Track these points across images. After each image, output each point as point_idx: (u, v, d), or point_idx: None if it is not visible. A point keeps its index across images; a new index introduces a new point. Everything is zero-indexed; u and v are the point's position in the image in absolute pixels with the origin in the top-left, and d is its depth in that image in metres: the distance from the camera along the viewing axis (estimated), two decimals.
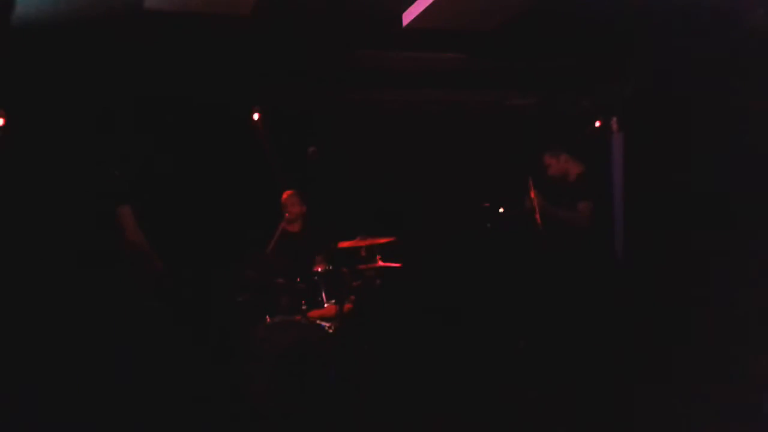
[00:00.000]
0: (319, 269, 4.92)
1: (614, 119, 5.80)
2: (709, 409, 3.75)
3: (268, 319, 4.69)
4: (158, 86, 5.21)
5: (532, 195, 4.48)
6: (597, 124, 5.74)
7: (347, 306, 4.91)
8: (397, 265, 5.15)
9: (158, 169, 5.36)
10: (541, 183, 4.84)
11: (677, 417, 3.85)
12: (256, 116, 5.45)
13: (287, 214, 5.31)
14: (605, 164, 5.74)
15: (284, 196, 5.34)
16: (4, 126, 4.84)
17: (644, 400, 4.21)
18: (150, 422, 4.09)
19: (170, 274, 4.67)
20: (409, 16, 4.24)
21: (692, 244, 5.34)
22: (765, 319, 4.45)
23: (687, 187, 5.48)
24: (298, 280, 4.89)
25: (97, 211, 4.43)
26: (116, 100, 5.16)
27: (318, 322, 4.81)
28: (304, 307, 4.86)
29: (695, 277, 5.28)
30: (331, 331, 4.76)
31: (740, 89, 4.91)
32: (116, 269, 4.39)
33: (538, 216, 4.48)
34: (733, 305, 4.93)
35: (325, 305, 4.88)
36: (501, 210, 5.34)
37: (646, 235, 5.44)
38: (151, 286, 4.57)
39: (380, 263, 5.10)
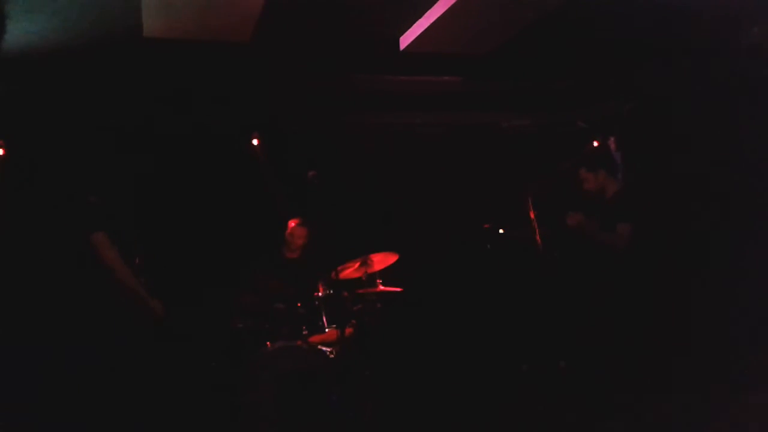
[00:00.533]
0: (320, 294, 4.90)
1: (612, 138, 5.81)
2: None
3: (269, 345, 4.66)
4: (157, 113, 5.23)
5: (532, 215, 4.47)
6: (595, 143, 5.76)
7: (348, 330, 4.88)
8: (398, 289, 5.14)
9: (155, 195, 5.37)
10: (573, 199, 4.67)
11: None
12: (255, 141, 5.46)
13: (291, 244, 5.30)
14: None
15: (291, 225, 5.32)
16: (4, 156, 4.85)
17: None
18: None
19: (169, 315, 4.42)
20: (406, 40, 4.28)
21: (692, 263, 5.34)
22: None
23: (686, 205, 5.49)
24: (299, 305, 4.87)
25: (69, 239, 4.25)
26: (115, 127, 5.17)
27: (319, 347, 4.78)
28: (305, 333, 4.83)
29: (695, 298, 5.27)
30: (332, 356, 4.73)
31: (740, 106, 4.94)
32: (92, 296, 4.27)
33: (538, 236, 4.46)
34: (733, 315, 4.92)
35: (326, 330, 4.85)
36: (501, 231, 5.33)
37: (646, 254, 5.43)
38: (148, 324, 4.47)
39: (381, 288, 5.08)
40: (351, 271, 5.06)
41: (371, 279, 5.06)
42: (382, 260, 5.10)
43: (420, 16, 4.04)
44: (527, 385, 5.01)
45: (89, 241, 4.12)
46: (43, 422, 4.17)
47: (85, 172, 5.00)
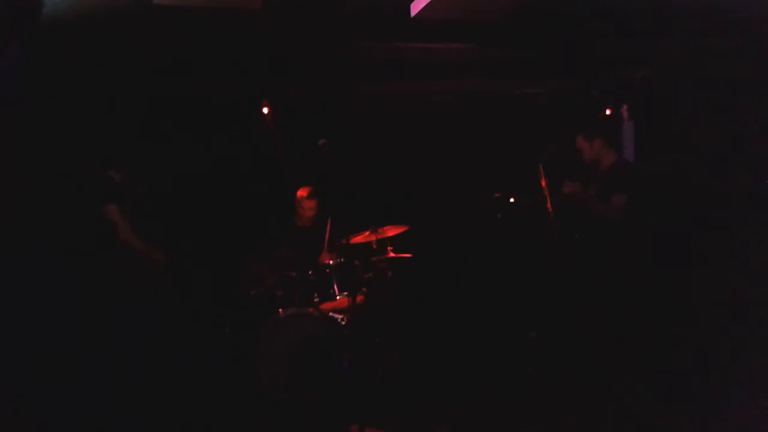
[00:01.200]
0: (331, 262, 4.93)
1: (625, 107, 5.76)
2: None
3: (281, 312, 4.71)
4: (166, 81, 5.21)
5: (543, 184, 4.46)
6: (607, 112, 5.70)
7: (359, 298, 4.92)
8: (408, 256, 5.16)
9: (167, 165, 5.38)
10: (570, 168, 4.65)
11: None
12: (265, 110, 5.45)
13: (302, 213, 5.32)
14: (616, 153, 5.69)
15: (300, 194, 5.33)
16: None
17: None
18: (163, 419, 4.12)
19: (173, 268, 4.70)
20: (417, 6, 4.22)
21: (703, 234, 5.32)
22: None
23: (699, 176, 5.45)
24: (310, 273, 4.91)
25: (84, 210, 4.47)
26: (123, 96, 5.17)
27: (330, 314, 4.83)
28: (316, 300, 4.88)
29: (705, 268, 5.26)
30: (343, 323, 4.79)
31: (756, 76, 4.87)
32: (107, 266, 4.43)
33: (549, 205, 4.45)
34: (742, 295, 4.91)
35: (338, 298, 4.90)
36: (512, 200, 5.32)
37: (655, 225, 5.41)
38: (154, 283, 4.61)
39: (391, 255, 5.11)
40: (361, 238, 5.08)
41: (382, 246, 5.09)
42: (392, 228, 5.12)
43: None
44: (535, 351, 5.06)
45: (103, 212, 4.37)
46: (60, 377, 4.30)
47: (94, 140, 5.04)
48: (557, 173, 4.55)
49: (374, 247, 5.07)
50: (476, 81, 5.44)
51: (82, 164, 4.71)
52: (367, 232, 5.03)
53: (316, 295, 4.89)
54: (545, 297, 5.24)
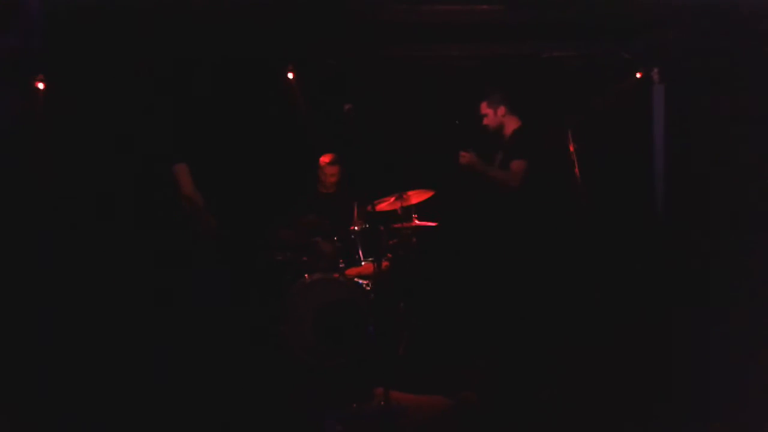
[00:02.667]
0: (356, 228, 4.95)
1: (655, 70, 5.62)
2: None
3: (307, 277, 4.75)
4: (191, 45, 5.20)
5: (572, 148, 4.40)
6: (637, 75, 5.57)
7: (384, 264, 4.94)
8: (433, 224, 5.15)
9: (190, 130, 5.40)
10: (473, 135, 4.63)
11: None
12: (290, 74, 5.42)
13: (324, 179, 5.33)
14: (645, 117, 5.59)
15: (323, 160, 5.33)
16: (45, 90, 4.91)
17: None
18: (193, 374, 4.22)
19: (223, 230, 4.77)
20: None
21: (735, 200, 5.22)
22: None
23: (731, 140, 5.32)
24: (335, 239, 4.93)
25: (154, 170, 4.58)
26: (152, 60, 5.17)
27: (356, 279, 4.86)
28: (341, 266, 4.90)
29: (738, 236, 5.17)
30: (368, 288, 4.82)
31: None
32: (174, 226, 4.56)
33: (577, 170, 4.40)
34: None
35: (363, 263, 4.92)
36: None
37: (687, 190, 5.33)
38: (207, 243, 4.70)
39: (416, 222, 5.11)
40: (386, 204, 5.08)
41: (407, 213, 5.09)
42: (417, 195, 5.11)
43: None
44: (560, 319, 5.04)
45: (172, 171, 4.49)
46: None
47: (124, 108, 5.08)
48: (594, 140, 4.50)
49: (399, 213, 5.07)
50: (503, 44, 5.33)
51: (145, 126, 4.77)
52: (392, 198, 5.03)
53: (341, 260, 4.92)
54: (571, 263, 5.20)
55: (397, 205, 5.04)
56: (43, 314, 4.35)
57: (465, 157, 4.47)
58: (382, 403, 3.71)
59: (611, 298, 4.89)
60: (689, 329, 4.45)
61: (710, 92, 5.27)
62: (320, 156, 5.37)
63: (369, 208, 4.69)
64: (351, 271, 4.93)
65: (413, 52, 5.42)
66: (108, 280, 4.68)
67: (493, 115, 4.64)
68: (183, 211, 4.52)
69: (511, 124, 4.60)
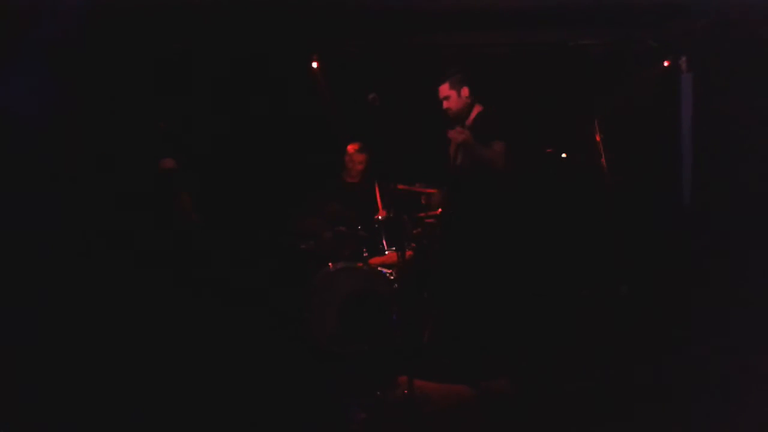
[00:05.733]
0: (380, 217, 4.96)
1: (683, 58, 5.54)
2: None
3: (331, 266, 4.77)
4: (215, 37, 5.23)
5: (598, 138, 4.35)
6: (665, 63, 5.50)
7: (408, 253, 4.94)
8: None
9: (216, 120, 5.45)
10: (436, 118, 4.45)
11: None
12: (315, 64, 5.43)
13: (351, 167, 5.34)
14: (673, 106, 5.52)
15: (350, 149, 5.34)
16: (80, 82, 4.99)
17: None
18: (215, 365, 4.27)
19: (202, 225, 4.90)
20: None
21: (764, 190, 5.14)
22: None
23: (759, 130, 5.24)
24: (359, 228, 4.94)
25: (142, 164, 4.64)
26: (171, 52, 5.21)
27: (379, 269, 4.87)
28: (365, 255, 4.92)
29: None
30: (392, 277, 4.83)
31: None
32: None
33: (603, 160, 4.35)
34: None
35: (386, 252, 4.93)
36: (564, 155, 5.21)
37: (715, 178, 5.26)
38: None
39: (440, 211, 5.09)
40: (409, 187, 5.07)
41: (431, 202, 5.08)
42: (438, 191, 5.08)
43: None
44: (586, 309, 5.02)
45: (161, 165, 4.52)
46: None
47: (149, 96, 5.13)
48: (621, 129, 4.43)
49: (423, 202, 5.07)
50: (529, 32, 5.29)
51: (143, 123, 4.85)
52: (416, 185, 5.03)
53: (365, 249, 4.93)
54: (595, 253, 5.17)
55: (421, 190, 5.02)
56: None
57: (462, 133, 4.21)
58: (406, 391, 3.73)
59: (637, 290, 4.85)
60: (711, 322, 4.41)
61: (738, 81, 5.19)
62: (346, 145, 5.38)
63: (391, 186, 4.63)
64: (375, 260, 4.94)
65: (438, 41, 5.40)
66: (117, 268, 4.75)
67: (456, 96, 4.40)
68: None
69: (475, 108, 4.39)
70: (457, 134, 4.19)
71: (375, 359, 4.55)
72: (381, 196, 5.17)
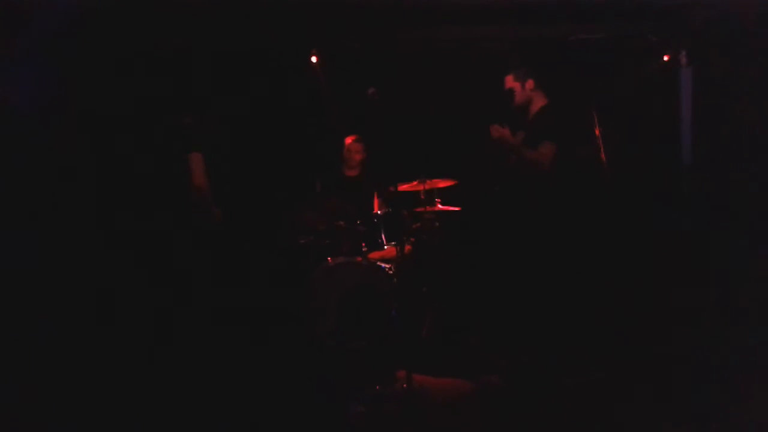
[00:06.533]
0: (379, 212, 4.96)
1: (683, 53, 5.53)
2: None
3: (330, 261, 4.77)
4: (215, 32, 5.21)
5: (597, 132, 4.34)
6: (665, 58, 5.49)
7: (407, 248, 4.94)
8: (456, 209, 5.14)
9: (221, 115, 5.44)
10: (500, 111, 4.43)
11: None
12: (314, 59, 5.42)
13: (349, 161, 5.34)
14: (673, 100, 5.51)
15: (348, 141, 5.35)
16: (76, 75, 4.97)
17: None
18: (212, 359, 4.28)
19: (226, 223, 4.76)
20: None
21: (763, 184, 5.13)
22: None
23: (759, 124, 5.23)
24: (358, 222, 4.94)
25: (168, 157, 4.58)
26: (176, 47, 5.20)
27: (378, 263, 4.87)
28: (364, 249, 4.92)
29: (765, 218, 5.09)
30: (391, 272, 4.82)
31: None
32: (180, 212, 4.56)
33: (603, 154, 4.34)
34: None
35: (385, 247, 4.93)
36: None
37: (715, 174, 5.25)
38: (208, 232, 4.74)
39: (439, 206, 5.10)
40: (409, 186, 5.08)
41: (430, 197, 5.08)
42: (440, 181, 5.09)
43: None
44: (584, 305, 5.01)
45: (187, 159, 4.42)
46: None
47: (147, 92, 5.12)
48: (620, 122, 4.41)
49: (422, 197, 5.07)
50: (528, 26, 5.28)
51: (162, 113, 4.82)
52: (415, 183, 5.02)
53: (364, 244, 4.93)
54: (595, 248, 5.16)
55: (420, 188, 5.03)
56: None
57: (497, 130, 4.27)
58: (405, 385, 3.73)
59: (635, 285, 4.85)
60: (712, 315, 4.42)
61: (738, 75, 5.18)
62: (344, 139, 5.38)
63: (391, 188, 4.67)
64: (374, 255, 4.94)
65: (437, 35, 5.39)
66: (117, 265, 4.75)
67: (520, 89, 4.42)
68: (190, 200, 4.50)
69: (538, 101, 4.38)
70: (493, 131, 4.26)
71: (374, 353, 4.55)
72: (379, 194, 5.17)
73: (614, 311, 4.62)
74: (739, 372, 3.68)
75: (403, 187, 5.00)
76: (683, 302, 4.72)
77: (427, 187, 5.01)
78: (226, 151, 5.05)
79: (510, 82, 4.44)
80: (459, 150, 5.57)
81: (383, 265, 4.86)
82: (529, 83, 4.36)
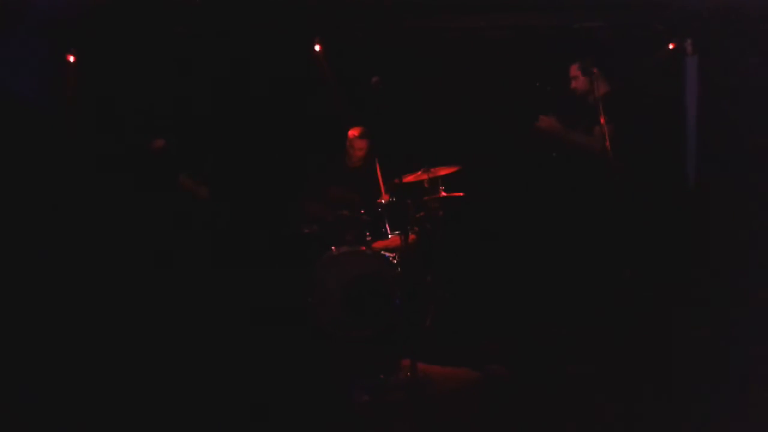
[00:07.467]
0: (383, 201, 4.95)
1: (689, 41, 5.50)
2: None
3: (334, 250, 4.77)
4: (217, 21, 5.20)
5: (602, 121, 4.32)
6: (671, 46, 5.45)
7: (411, 237, 4.94)
8: (460, 195, 5.13)
9: (218, 103, 5.44)
10: (561, 98, 4.61)
11: None
12: (317, 47, 5.40)
13: (352, 153, 5.32)
14: (679, 89, 5.48)
15: (351, 134, 5.31)
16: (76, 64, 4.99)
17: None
18: (216, 346, 4.31)
19: (216, 202, 4.99)
20: None
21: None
22: None
23: (765, 112, 5.21)
24: (362, 212, 4.94)
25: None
26: (178, 35, 5.19)
27: (382, 252, 4.88)
28: (368, 239, 4.92)
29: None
30: (395, 261, 4.83)
31: None
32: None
33: (608, 143, 4.32)
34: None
35: (389, 236, 4.93)
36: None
37: (720, 162, 5.24)
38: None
39: (443, 194, 5.09)
40: (413, 178, 5.07)
41: (434, 186, 5.07)
42: (444, 168, 5.08)
43: None
44: (588, 293, 5.02)
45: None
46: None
47: (153, 83, 5.13)
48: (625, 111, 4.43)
49: (426, 186, 5.06)
50: (533, 15, 5.25)
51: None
52: (419, 172, 5.01)
53: (368, 233, 4.93)
54: (600, 237, 5.15)
55: (424, 177, 5.02)
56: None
57: (544, 120, 4.45)
58: (409, 374, 3.74)
59: (640, 275, 4.84)
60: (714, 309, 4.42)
61: (744, 64, 5.16)
62: (348, 129, 5.35)
63: (396, 180, 4.67)
64: (378, 244, 4.94)
65: (442, 24, 5.36)
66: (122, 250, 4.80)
67: (582, 78, 4.57)
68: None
69: (601, 89, 4.47)
70: (540, 121, 4.46)
71: (378, 342, 4.57)
72: (384, 183, 5.16)
73: (617, 300, 4.61)
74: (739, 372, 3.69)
75: (408, 179, 4.99)
76: (684, 291, 4.73)
77: (431, 175, 5.00)
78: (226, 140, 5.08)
79: (574, 71, 4.62)
80: (464, 138, 5.56)
81: (387, 254, 4.87)
82: (594, 73, 4.48)
